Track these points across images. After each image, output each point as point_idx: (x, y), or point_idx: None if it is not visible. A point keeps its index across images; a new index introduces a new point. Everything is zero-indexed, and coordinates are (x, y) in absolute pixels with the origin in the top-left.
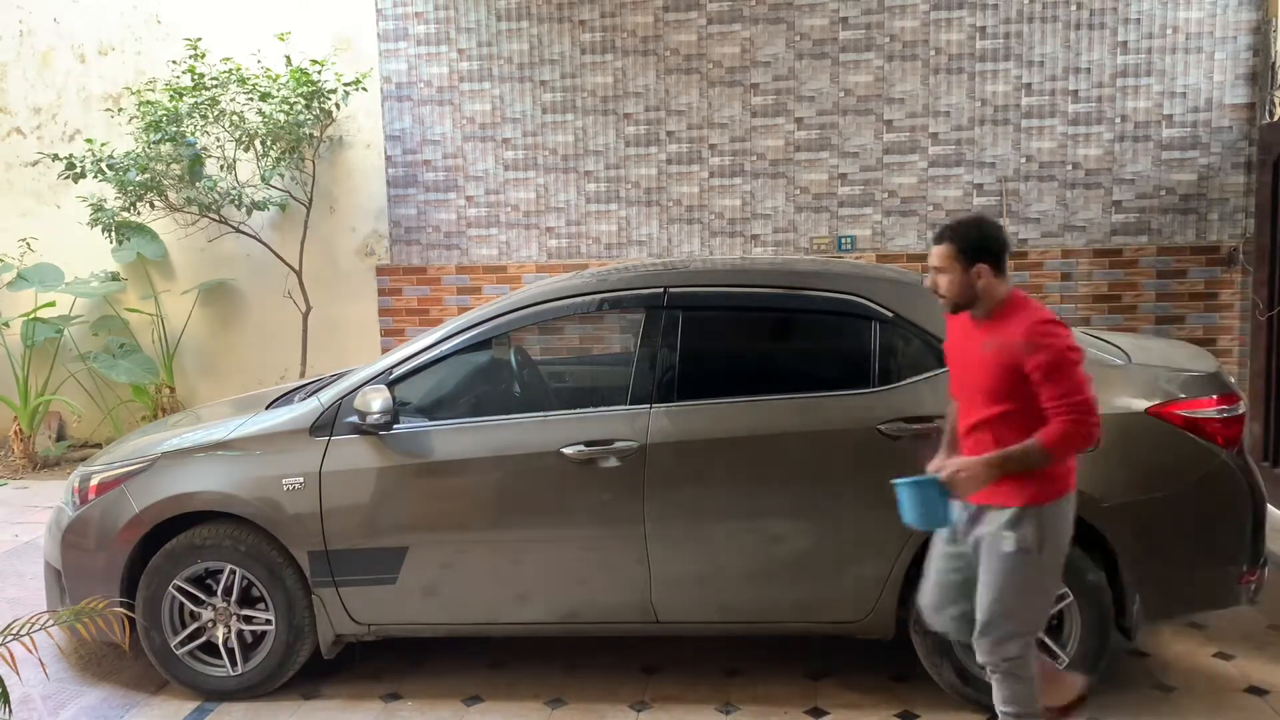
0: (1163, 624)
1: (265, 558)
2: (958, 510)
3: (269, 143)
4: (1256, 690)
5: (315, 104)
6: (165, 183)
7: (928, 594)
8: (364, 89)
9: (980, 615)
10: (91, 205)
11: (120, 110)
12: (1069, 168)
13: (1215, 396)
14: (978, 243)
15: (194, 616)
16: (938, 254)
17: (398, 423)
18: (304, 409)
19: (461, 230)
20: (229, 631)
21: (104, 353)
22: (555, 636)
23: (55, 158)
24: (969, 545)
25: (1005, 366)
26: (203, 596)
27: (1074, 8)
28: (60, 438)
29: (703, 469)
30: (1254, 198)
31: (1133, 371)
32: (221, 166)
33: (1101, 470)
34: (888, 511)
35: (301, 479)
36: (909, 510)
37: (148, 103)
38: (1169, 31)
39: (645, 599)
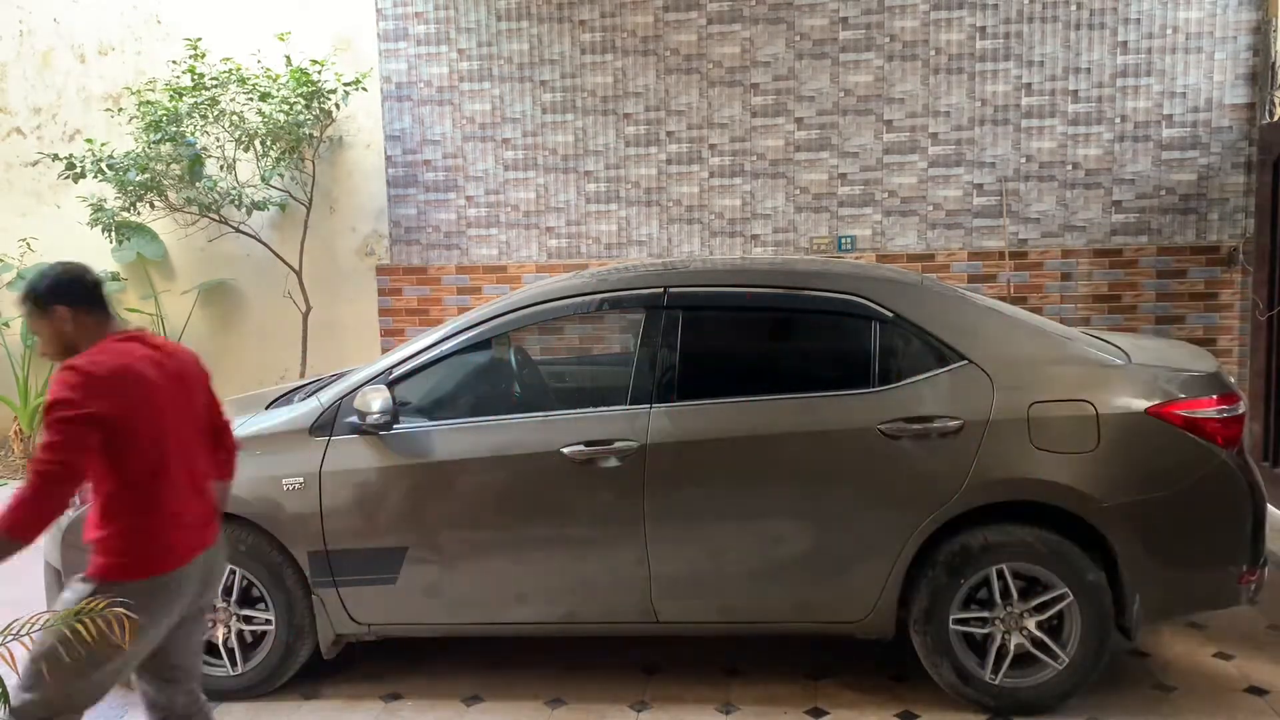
0: (1163, 624)
1: (265, 558)
2: None
3: (269, 143)
4: (1256, 690)
5: (315, 104)
6: (165, 183)
7: None
8: (364, 89)
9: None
10: (91, 205)
11: (120, 110)
12: (1069, 168)
13: (1215, 396)
14: (49, 289)
15: None
16: (26, 319)
17: (398, 423)
18: (304, 409)
19: (461, 230)
20: (229, 631)
21: None
22: (555, 636)
23: (55, 158)
24: None
25: None
26: None
27: (1074, 8)
28: None
29: (703, 469)
30: (1254, 198)
31: (1133, 371)
32: (221, 166)
33: (1101, 470)
34: (888, 511)
35: (301, 479)
36: None
37: (148, 103)
38: (1169, 31)
39: (645, 599)
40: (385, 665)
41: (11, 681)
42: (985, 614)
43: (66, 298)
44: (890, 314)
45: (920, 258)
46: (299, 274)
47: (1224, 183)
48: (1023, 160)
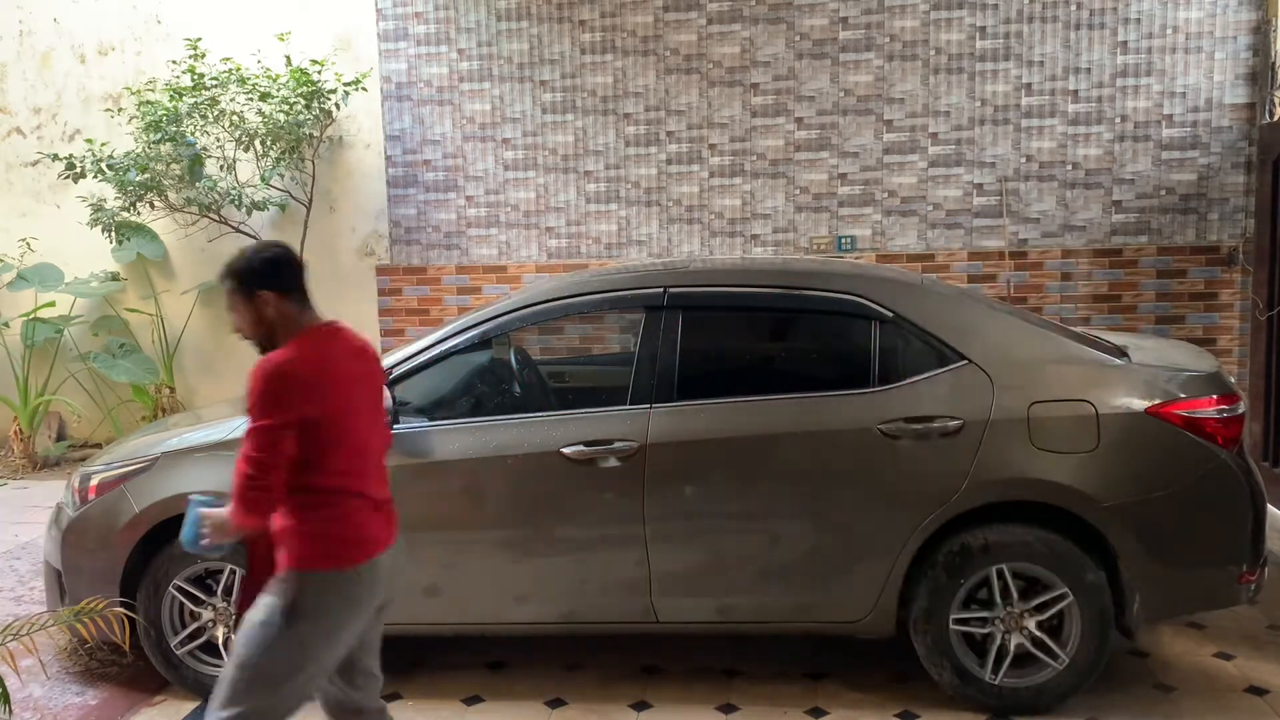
0: (1163, 624)
1: None
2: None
3: (269, 143)
4: (1256, 690)
5: (315, 104)
6: (165, 183)
7: None
8: (364, 89)
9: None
10: (91, 205)
11: (120, 110)
12: (1069, 168)
13: (1215, 396)
14: (255, 270)
15: (194, 616)
16: (226, 296)
17: (398, 423)
18: None
19: (461, 230)
20: (229, 631)
21: (104, 353)
22: (555, 636)
23: (55, 158)
24: None
25: None
26: (203, 596)
27: (1074, 8)
28: (60, 438)
29: (703, 469)
30: (1254, 198)
31: (1133, 371)
32: (221, 166)
33: (1101, 470)
34: (888, 511)
35: None
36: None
37: (148, 103)
38: (1169, 31)
39: (645, 599)
40: (385, 665)
41: (14, 684)
42: (985, 614)
43: (275, 283)
44: (890, 314)
45: (920, 258)
46: None
47: (1224, 183)
48: (1023, 160)
